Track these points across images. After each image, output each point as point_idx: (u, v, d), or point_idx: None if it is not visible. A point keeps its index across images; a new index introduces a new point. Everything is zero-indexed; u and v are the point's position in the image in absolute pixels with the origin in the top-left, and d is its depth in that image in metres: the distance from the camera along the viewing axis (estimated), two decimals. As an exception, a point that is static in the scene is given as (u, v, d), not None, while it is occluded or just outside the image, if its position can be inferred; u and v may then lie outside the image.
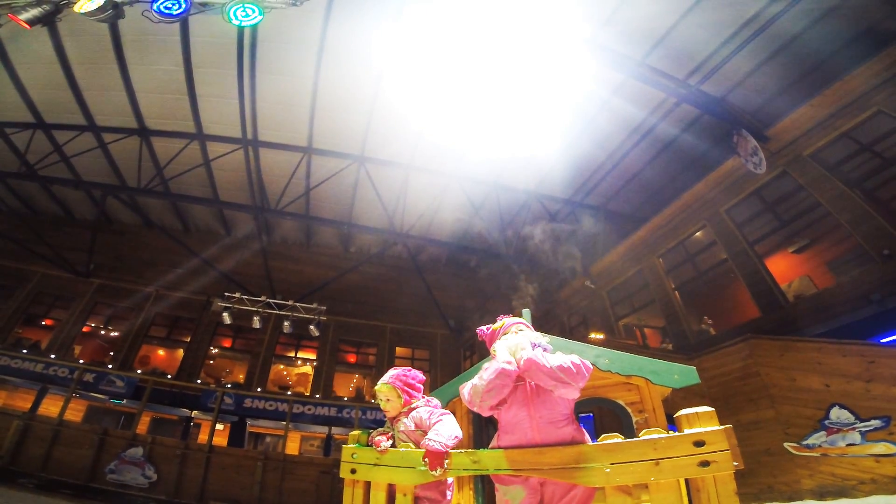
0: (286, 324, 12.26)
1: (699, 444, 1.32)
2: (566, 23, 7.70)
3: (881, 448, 4.57)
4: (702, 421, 1.37)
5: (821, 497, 4.72)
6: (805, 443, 5.02)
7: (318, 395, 13.12)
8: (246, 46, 9.02)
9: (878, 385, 4.79)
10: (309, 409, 11.99)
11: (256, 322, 12.02)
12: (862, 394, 4.84)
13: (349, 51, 9.06)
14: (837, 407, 4.93)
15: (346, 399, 13.45)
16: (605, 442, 1.44)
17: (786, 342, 5.65)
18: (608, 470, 1.34)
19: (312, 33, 8.78)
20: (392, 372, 2.41)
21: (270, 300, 12.35)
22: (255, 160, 11.58)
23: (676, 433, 1.37)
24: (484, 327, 2.34)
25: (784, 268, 9.45)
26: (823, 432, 4.95)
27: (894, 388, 4.67)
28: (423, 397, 2.34)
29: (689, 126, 10.09)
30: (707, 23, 8.02)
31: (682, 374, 2.72)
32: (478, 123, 10.24)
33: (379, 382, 2.37)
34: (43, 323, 13.16)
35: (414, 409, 2.25)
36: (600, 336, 11.54)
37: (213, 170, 12.17)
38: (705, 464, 1.30)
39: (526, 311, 2.52)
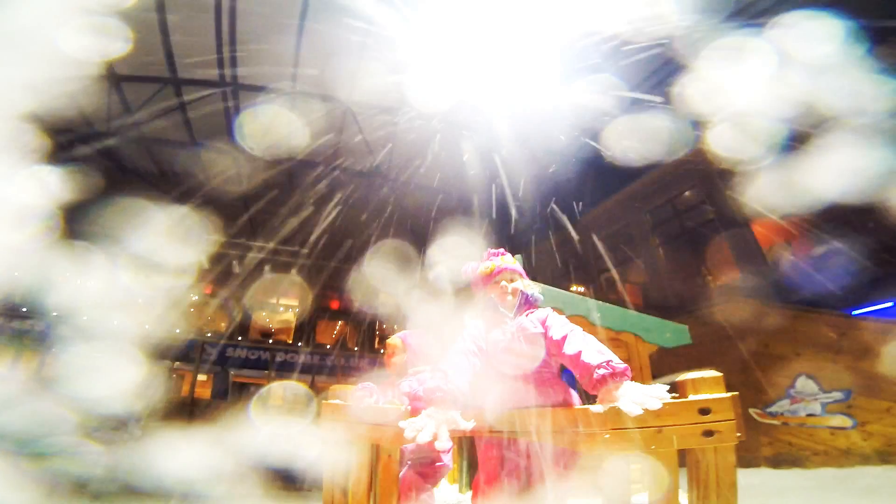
0: (267, 268, 12.11)
1: (704, 411, 1.24)
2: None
3: (838, 420, 4.78)
4: (707, 386, 1.29)
5: (776, 465, 4.95)
6: (769, 410, 5.22)
7: (300, 344, 13.18)
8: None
9: (844, 357, 4.94)
10: (292, 358, 12.06)
11: (235, 266, 11.84)
12: (829, 365, 4.99)
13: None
14: (804, 377, 5.10)
15: (328, 346, 13.57)
16: (605, 406, 1.36)
17: (763, 307, 5.76)
18: (607, 436, 1.26)
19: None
20: (410, 331, 2.30)
21: (251, 243, 12.10)
22: (234, 104, 10.95)
23: (682, 399, 1.29)
24: (470, 266, 2.09)
25: (766, 233, 9.55)
26: (788, 401, 5.14)
27: (860, 361, 4.81)
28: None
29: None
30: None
31: (675, 332, 2.69)
32: (473, 69, 9.75)
33: (394, 336, 2.29)
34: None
35: (419, 372, 2.15)
36: (581, 288, 11.74)
37: (189, 114, 11.48)
38: (709, 433, 1.23)
39: (518, 256, 2.36)
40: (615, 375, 1.39)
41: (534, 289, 2.00)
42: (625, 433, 1.26)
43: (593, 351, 1.50)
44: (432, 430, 1.37)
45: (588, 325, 2.87)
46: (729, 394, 1.26)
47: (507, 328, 1.82)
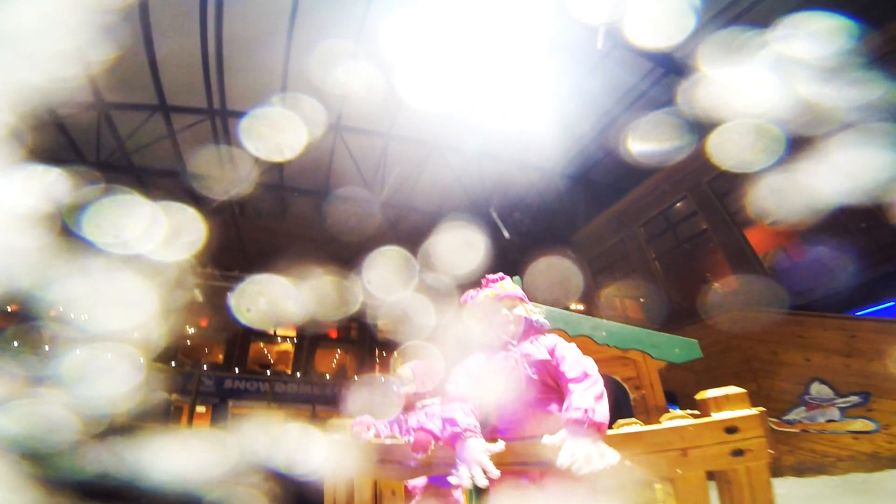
0: (261, 298, 11.98)
1: (731, 430, 1.15)
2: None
3: (859, 425, 4.62)
4: (731, 403, 1.20)
5: (800, 474, 4.77)
6: (786, 418, 5.07)
7: (298, 374, 12.92)
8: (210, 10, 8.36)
9: (857, 360, 4.81)
10: (291, 388, 11.84)
11: (229, 297, 11.70)
12: (841, 369, 4.86)
13: (325, 13, 8.51)
14: (817, 382, 4.96)
15: (327, 376, 13.31)
16: (622, 430, 1.26)
17: (767, 315, 5.67)
18: (628, 462, 1.16)
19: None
20: (420, 361, 2.17)
21: (245, 275, 11.96)
22: (223, 131, 11.00)
23: (706, 419, 1.21)
24: (468, 294, 1.95)
25: (760, 239, 9.55)
26: (803, 408, 4.99)
27: (873, 362, 4.68)
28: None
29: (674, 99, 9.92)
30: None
31: (684, 347, 2.59)
32: (461, 90, 9.87)
33: (404, 366, 2.17)
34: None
35: (427, 406, 2.03)
36: (580, 307, 11.63)
37: (179, 141, 11.52)
38: (738, 453, 1.14)
39: (516, 279, 2.27)
40: (582, 423, 1.28)
41: (538, 314, 1.88)
42: (646, 458, 1.17)
43: (585, 396, 1.38)
44: (478, 468, 1.32)
45: (592, 345, 2.77)
46: (756, 409, 1.18)
47: (511, 355, 1.72)
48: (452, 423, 1.50)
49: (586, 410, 1.31)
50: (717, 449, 1.15)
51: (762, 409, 1.17)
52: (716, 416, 1.19)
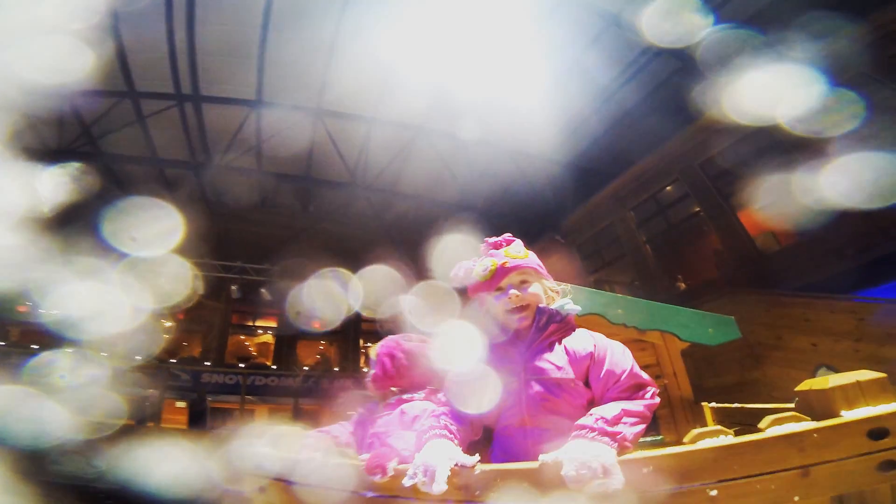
0: (233, 288, 11.44)
1: (878, 434, 0.75)
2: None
3: (872, 415, 4.38)
4: (868, 395, 0.80)
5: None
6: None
7: (275, 367, 12.47)
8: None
9: (866, 345, 4.54)
10: (272, 381, 11.40)
11: (199, 287, 11.13)
12: (850, 354, 4.58)
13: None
14: (824, 368, 4.68)
15: (306, 368, 12.87)
16: (704, 444, 0.82)
17: (772, 297, 5.40)
18: (714, 492, 0.76)
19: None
20: (395, 337, 1.62)
21: (217, 262, 11.37)
22: (196, 117, 10.35)
23: (836, 420, 0.81)
24: (462, 266, 1.36)
25: (755, 222, 9.35)
26: (811, 395, 4.75)
27: (883, 347, 4.42)
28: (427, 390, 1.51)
29: (665, 82, 9.58)
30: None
31: (719, 326, 2.20)
32: (446, 73, 9.44)
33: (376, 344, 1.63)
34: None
35: (406, 401, 1.44)
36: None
37: (150, 128, 10.82)
38: (890, 466, 0.75)
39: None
40: (591, 430, 0.90)
41: (562, 297, 1.31)
42: (745, 485, 0.77)
43: (612, 408, 0.99)
44: (427, 473, 0.91)
45: (607, 324, 2.36)
46: (910, 402, 0.79)
47: (514, 367, 1.18)
48: (424, 431, 1.10)
49: (600, 418, 0.93)
50: (858, 463, 0.75)
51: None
52: (848, 413, 0.80)
